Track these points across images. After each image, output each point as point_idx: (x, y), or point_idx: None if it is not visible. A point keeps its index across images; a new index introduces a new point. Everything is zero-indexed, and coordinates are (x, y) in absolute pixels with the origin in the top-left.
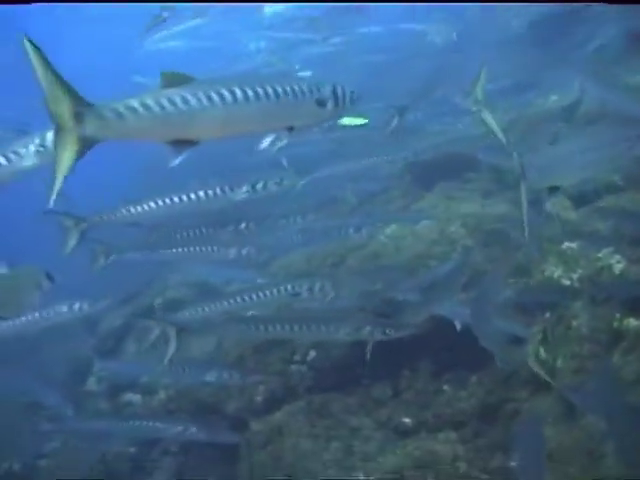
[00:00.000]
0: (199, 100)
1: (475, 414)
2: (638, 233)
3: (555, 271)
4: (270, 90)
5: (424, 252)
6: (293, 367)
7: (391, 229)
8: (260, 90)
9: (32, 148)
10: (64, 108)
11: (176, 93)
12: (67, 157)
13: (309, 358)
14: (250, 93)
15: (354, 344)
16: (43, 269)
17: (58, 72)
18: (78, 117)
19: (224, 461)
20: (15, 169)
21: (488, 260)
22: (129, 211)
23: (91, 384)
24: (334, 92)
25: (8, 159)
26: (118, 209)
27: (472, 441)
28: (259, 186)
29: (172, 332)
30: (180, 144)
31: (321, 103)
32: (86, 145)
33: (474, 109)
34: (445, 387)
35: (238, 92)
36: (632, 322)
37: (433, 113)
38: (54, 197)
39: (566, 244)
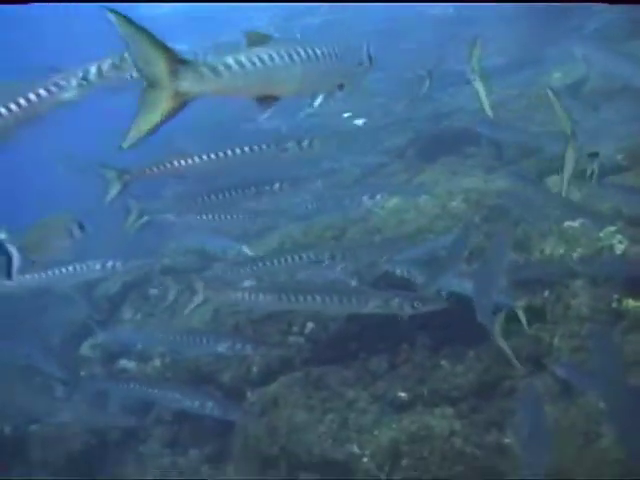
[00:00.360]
0: (283, 59)
1: (472, 390)
2: None
3: (555, 250)
4: (333, 51)
5: (426, 226)
6: (290, 339)
7: (393, 203)
8: (327, 51)
9: (74, 81)
10: (160, 65)
11: (264, 52)
12: (159, 114)
13: (306, 330)
14: (320, 53)
15: (352, 317)
16: (75, 217)
17: (149, 31)
18: (173, 74)
19: (218, 430)
20: (55, 101)
21: (489, 236)
22: (173, 164)
23: (85, 350)
24: (368, 53)
25: (49, 91)
26: (162, 162)
27: (468, 417)
28: (305, 144)
29: (199, 286)
30: (265, 100)
31: (360, 63)
32: (180, 102)
33: (471, 78)
34: (442, 362)
35: (312, 52)
36: (631, 303)
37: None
38: (127, 145)
39: (567, 223)
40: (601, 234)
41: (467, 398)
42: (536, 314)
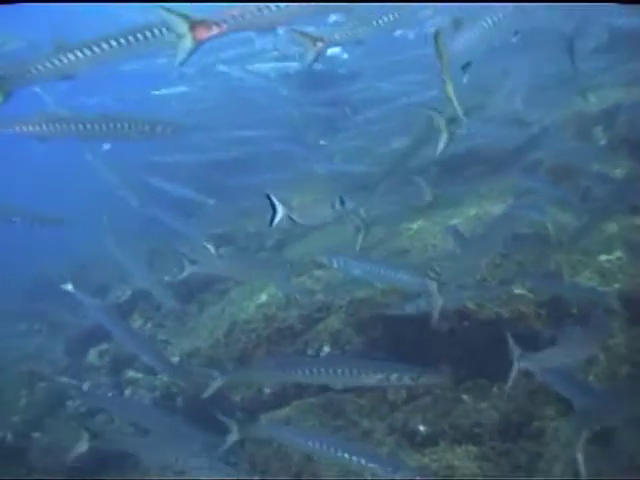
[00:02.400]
0: None
1: (496, 429)
2: None
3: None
4: None
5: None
6: None
7: (418, 225)
8: None
9: None
10: None
11: None
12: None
13: (322, 354)
14: None
15: (370, 342)
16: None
17: None
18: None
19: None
20: None
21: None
22: None
23: (93, 357)
24: None
25: None
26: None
27: (493, 458)
28: None
29: None
30: None
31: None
32: None
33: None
34: (464, 396)
35: None
36: None
37: None
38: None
39: (603, 256)
40: None
41: (492, 437)
42: None
